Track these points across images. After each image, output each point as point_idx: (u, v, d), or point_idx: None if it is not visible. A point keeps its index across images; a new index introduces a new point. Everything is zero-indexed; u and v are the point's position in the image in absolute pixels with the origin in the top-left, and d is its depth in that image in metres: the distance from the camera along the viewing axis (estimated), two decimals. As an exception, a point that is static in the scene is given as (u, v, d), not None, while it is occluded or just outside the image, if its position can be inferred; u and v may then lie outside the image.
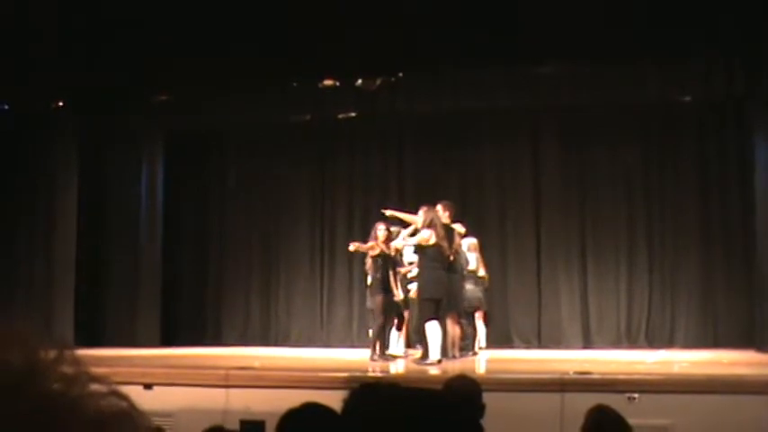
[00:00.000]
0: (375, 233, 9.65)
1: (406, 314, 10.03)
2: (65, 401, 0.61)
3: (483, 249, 11.02)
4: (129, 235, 12.68)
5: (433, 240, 8.93)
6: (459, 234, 9.89)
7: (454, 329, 9.63)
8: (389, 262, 9.66)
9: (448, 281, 9.25)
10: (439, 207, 9.42)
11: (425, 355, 8.90)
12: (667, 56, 10.03)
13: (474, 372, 8.06)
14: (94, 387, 0.64)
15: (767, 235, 10.50)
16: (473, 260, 10.53)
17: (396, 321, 9.98)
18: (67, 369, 0.63)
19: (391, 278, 9.63)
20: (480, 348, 10.96)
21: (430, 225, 8.99)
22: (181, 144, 13.29)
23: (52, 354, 0.63)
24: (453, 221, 9.67)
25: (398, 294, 9.68)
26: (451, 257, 9.51)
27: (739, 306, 11.30)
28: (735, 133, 11.66)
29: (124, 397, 0.65)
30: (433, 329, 8.79)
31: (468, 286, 10.36)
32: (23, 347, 0.62)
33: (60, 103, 11.83)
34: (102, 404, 0.63)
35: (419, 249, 9.16)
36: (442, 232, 9.03)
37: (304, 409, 2.38)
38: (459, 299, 9.90)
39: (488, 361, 10.04)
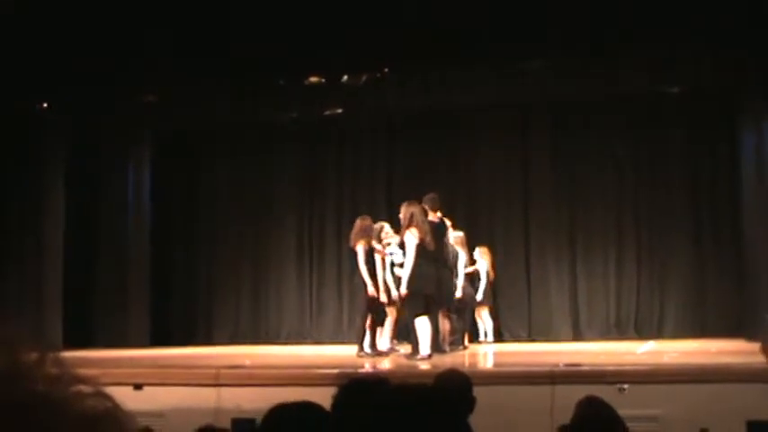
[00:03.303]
0: (374, 229, 9.64)
1: (390, 310, 9.93)
2: (49, 402, 0.61)
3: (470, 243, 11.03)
4: (117, 235, 12.64)
5: (417, 239, 8.87)
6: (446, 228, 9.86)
7: (444, 324, 9.62)
8: (375, 258, 9.65)
9: (437, 275, 9.23)
10: (426, 205, 9.36)
11: (416, 350, 8.89)
12: (656, 48, 10.06)
13: (464, 366, 8.08)
14: (79, 388, 0.64)
15: (754, 225, 10.57)
16: (462, 255, 10.50)
17: (378, 317, 9.91)
18: (51, 370, 0.63)
19: (378, 274, 9.61)
20: (488, 342, 11.18)
21: (411, 221, 8.93)
22: (168, 143, 13.25)
23: (35, 355, 0.63)
24: (443, 216, 9.66)
25: (393, 290, 9.63)
26: (445, 251, 9.50)
27: (727, 295, 11.37)
28: (723, 125, 11.69)
29: (109, 397, 0.65)
30: (422, 325, 8.78)
31: (459, 282, 10.35)
32: (6, 349, 0.62)
33: (46, 104, 11.76)
34: (87, 404, 0.63)
35: (404, 246, 9.11)
36: (425, 227, 8.99)
37: (294, 407, 2.36)
38: (450, 293, 9.89)
39: (478, 355, 10.05)
